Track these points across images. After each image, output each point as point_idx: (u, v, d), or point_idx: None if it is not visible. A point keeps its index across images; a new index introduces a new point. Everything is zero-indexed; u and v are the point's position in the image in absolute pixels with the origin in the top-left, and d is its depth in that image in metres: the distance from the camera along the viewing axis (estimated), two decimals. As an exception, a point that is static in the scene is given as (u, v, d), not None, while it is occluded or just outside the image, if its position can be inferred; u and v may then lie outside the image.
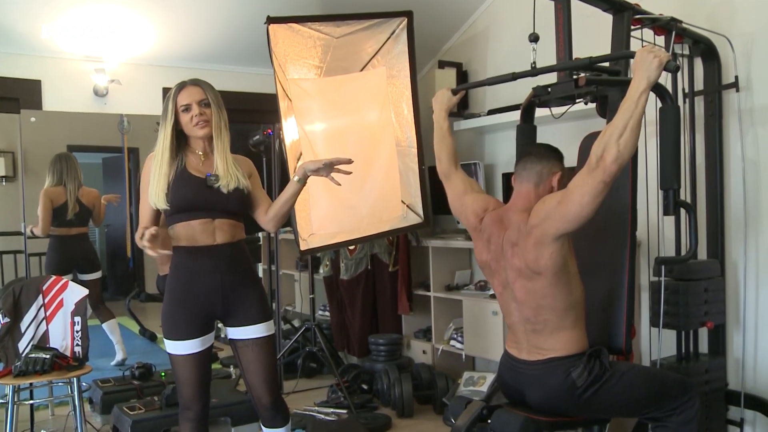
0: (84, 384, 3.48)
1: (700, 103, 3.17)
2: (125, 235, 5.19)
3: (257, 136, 4.54)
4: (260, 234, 5.61)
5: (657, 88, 2.18)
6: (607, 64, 2.61)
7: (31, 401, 3.50)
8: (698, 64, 3.15)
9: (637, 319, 3.32)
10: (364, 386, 4.24)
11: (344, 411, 3.90)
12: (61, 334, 3.30)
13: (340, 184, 2.45)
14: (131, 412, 3.29)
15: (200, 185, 2.36)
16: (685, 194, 3.05)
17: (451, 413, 2.40)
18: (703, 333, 3.08)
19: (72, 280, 3.42)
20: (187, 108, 2.37)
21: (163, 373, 3.95)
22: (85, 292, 3.33)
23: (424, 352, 4.50)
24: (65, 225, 4.54)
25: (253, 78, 4.87)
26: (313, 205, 3.91)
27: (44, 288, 3.34)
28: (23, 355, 3.16)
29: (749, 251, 3.05)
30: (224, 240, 2.38)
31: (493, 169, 4.48)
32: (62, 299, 3.32)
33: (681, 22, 2.82)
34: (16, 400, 3.01)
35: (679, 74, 3.15)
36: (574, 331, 2.18)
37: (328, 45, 3.88)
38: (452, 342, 4.30)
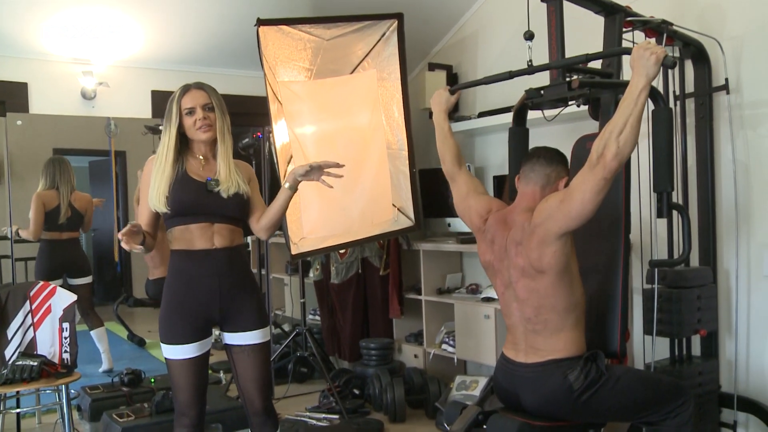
0: (72, 391, 3.43)
1: (690, 105, 3.18)
2: (112, 239, 5.14)
3: (246, 139, 4.52)
4: (248, 238, 5.57)
5: (650, 91, 2.18)
6: (600, 63, 2.61)
7: (18, 410, 3.45)
8: (689, 66, 3.16)
9: (630, 323, 3.32)
10: (356, 391, 4.22)
11: (336, 416, 3.88)
12: (49, 341, 3.25)
13: (332, 187, 2.44)
14: (121, 420, 3.25)
15: (200, 189, 2.35)
16: (676, 197, 3.06)
17: (446, 419, 2.39)
18: (696, 337, 3.08)
19: (62, 285, 3.37)
20: (191, 111, 2.36)
21: (152, 380, 3.91)
22: (73, 297, 3.28)
23: (415, 356, 4.48)
24: (57, 229, 4.49)
25: (243, 80, 4.84)
26: (304, 209, 3.89)
27: (31, 294, 3.29)
28: (10, 362, 3.10)
29: (741, 253, 3.06)
30: (223, 244, 2.37)
31: (484, 171, 4.48)
32: (50, 305, 3.27)
33: (672, 24, 2.82)
34: (2, 408, 2.97)
35: (669, 77, 3.16)
36: (574, 332, 2.19)
37: (318, 47, 3.86)
38: (444, 346, 4.28)
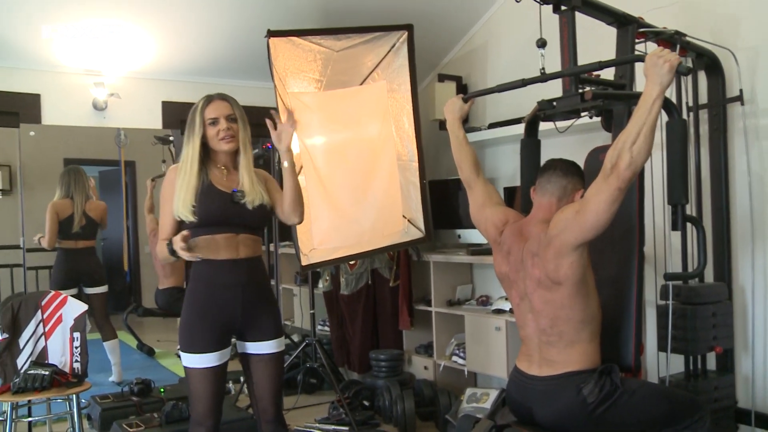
0: (83, 400, 3.43)
1: (704, 116, 3.16)
2: (122, 248, 5.15)
3: (256, 150, 4.53)
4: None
5: (664, 102, 2.17)
6: (613, 74, 2.59)
7: (30, 418, 3.45)
8: (702, 77, 3.14)
9: (644, 336, 3.29)
10: (366, 402, 4.19)
11: (346, 428, 3.85)
12: (60, 350, 3.26)
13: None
14: (130, 429, 3.25)
15: (226, 200, 2.37)
16: (690, 209, 3.03)
17: (459, 432, 2.36)
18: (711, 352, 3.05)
19: (78, 294, 3.37)
20: (215, 122, 2.39)
21: (162, 389, 3.91)
22: (84, 307, 3.30)
23: (425, 367, 4.45)
24: (71, 238, 4.54)
25: (253, 91, 4.84)
26: (314, 220, 3.89)
27: (43, 303, 3.30)
28: (22, 371, 3.11)
29: (757, 266, 3.03)
30: (246, 255, 2.40)
31: (495, 183, 4.46)
32: (61, 314, 3.28)
33: (685, 35, 2.81)
34: (14, 416, 2.97)
35: (683, 88, 3.14)
36: (589, 345, 2.17)
37: (328, 58, 3.87)
38: (454, 358, 4.26)
